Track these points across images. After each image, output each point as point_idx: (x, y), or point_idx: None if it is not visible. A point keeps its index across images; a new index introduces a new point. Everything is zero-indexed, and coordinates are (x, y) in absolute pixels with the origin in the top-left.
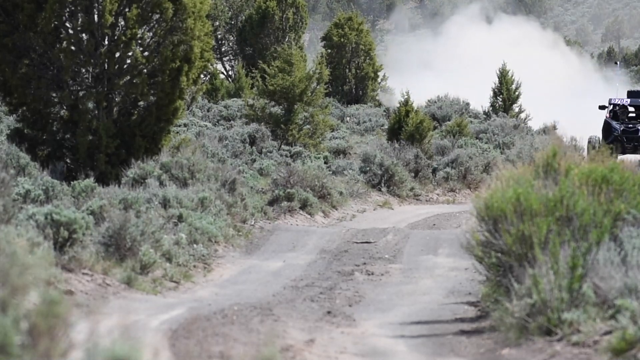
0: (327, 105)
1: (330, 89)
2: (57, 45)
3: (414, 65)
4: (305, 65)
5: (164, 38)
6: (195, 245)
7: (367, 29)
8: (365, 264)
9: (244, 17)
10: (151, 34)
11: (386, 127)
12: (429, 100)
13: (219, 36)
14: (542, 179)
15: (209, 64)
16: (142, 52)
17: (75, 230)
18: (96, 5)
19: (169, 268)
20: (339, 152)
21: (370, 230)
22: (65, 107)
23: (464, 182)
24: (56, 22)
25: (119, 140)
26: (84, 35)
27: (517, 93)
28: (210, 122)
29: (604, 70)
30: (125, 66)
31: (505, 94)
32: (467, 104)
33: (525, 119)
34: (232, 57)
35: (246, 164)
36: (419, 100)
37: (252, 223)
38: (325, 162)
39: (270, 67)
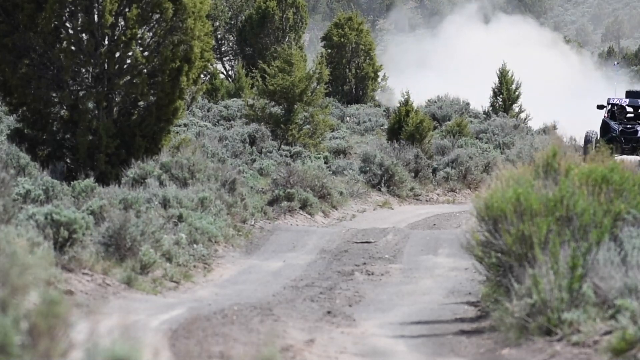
0: (327, 105)
1: (330, 89)
2: (57, 45)
3: (414, 65)
4: (305, 65)
5: (164, 38)
6: (195, 245)
7: (367, 29)
8: (365, 264)
9: (244, 17)
10: (151, 34)
11: (386, 127)
12: (429, 100)
13: (219, 36)
14: (542, 179)
15: (209, 64)
16: (142, 52)
17: (75, 230)
18: (96, 5)
19: (169, 268)
20: (339, 152)
21: (370, 230)
22: (65, 107)
23: (464, 182)
24: (56, 22)
25: (119, 140)
26: (84, 35)
27: (517, 93)
28: (210, 122)
29: (604, 69)
30: (125, 66)
31: (505, 94)
32: (467, 104)
33: (525, 119)
34: (232, 57)
35: (246, 164)
36: (418, 100)
37: (252, 223)
38: (325, 162)
39: (270, 67)
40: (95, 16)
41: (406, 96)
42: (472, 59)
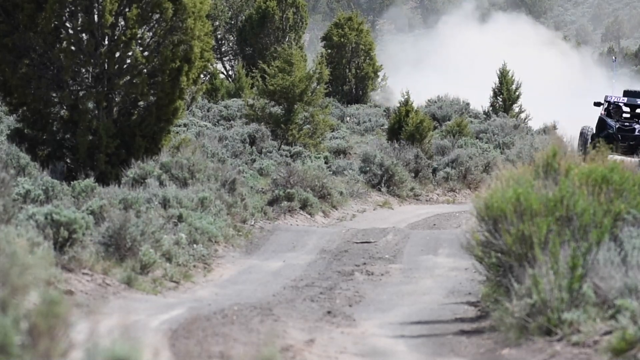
0: (327, 105)
1: (330, 89)
2: (57, 45)
3: (413, 65)
4: (305, 65)
5: (164, 38)
6: (195, 245)
7: (367, 29)
8: (365, 264)
9: (244, 17)
10: (151, 34)
11: (386, 127)
12: (429, 100)
13: (219, 36)
14: (542, 179)
15: (209, 64)
16: (142, 52)
17: (75, 230)
18: (96, 5)
19: (169, 268)
20: (339, 152)
21: (370, 230)
22: (65, 107)
23: (464, 182)
24: (56, 22)
25: (119, 140)
26: (84, 35)
27: (517, 93)
28: (210, 122)
29: (605, 69)
30: (125, 66)
31: (506, 94)
32: (467, 104)
33: (525, 119)
34: (232, 57)
35: (246, 164)
36: (418, 100)
37: (252, 223)
38: (325, 162)
39: (270, 67)
40: (95, 16)
41: (406, 96)
42: (471, 59)
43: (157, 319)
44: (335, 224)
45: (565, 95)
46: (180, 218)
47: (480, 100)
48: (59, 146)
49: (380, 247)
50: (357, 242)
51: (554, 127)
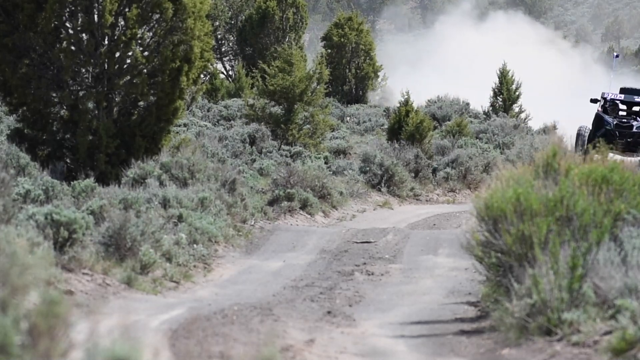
0: (327, 105)
1: (330, 89)
2: (57, 45)
3: (413, 65)
4: (305, 65)
5: (164, 38)
6: (195, 245)
7: (367, 29)
8: (365, 264)
9: (244, 17)
10: (151, 34)
11: (386, 127)
12: (429, 100)
13: (219, 36)
14: (542, 179)
15: (209, 64)
16: (142, 52)
17: (75, 230)
18: (96, 5)
19: (169, 268)
20: (339, 152)
21: (370, 230)
22: (65, 107)
23: (464, 182)
24: (56, 22)
25: (119, 140)
26: (84, 35)
27: (517, 93)
28: (210, 122)
29: (605, 68)
30: (125, 66)
31: (506, 94)
32: (467, 104)
33: (525, 119)
34: (232, 57)
35: (246, 164)
36: (418, 100)
37: (252, 223)
38: (325, 162)
39: (270, 67)
40: (95, 16)
41: (406, 96)
42: (471, 59)
43: (157, 319)
44: (335, 224)
45: (565, 95)
46: (180, 218)
47: (480, 100)
48: (59, 146)
49: (380, 247)
50: (357, 242)
51: (554, 127)
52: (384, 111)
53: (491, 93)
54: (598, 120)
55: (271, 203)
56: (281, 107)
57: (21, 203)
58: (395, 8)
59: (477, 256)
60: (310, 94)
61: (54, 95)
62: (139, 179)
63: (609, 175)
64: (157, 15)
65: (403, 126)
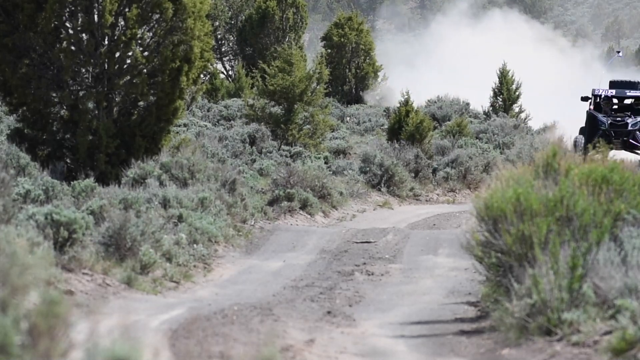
0: (327, 105)
1: (330, 89)
2: (57, 45)
3: (413, 65)
4: (305, 65)
5: (164, 38)
6: (195, 245)
7: (367, 28)
8: (365, 264)
9: (244, 17)
10: (151, 34)
11: (386, 127)
12: (428, 100)
13: (219, 36)
14: (542, 179)
15: (209, 64)
16: (142, 52)
17: (75, 230)
18: (96, 5)
19: (169, 268)
20: (339, 152)
21: (370, 230)
22: (65, 107)
23: (464, 182)
24: (56, 22)
25: (119, 140)
26: (84, 35)
27: (517, 93)
28: (210, 122)
29: (606, 67)
30: (125, 66)
31: (506, 94)
32: (467, 104)
33: (525, 119)
34: (232, 57)
35: (246, 164)
36: (417, 100)
37: (252, 223)
38: (325, 162)
39: (270, 67)
40: (95, 16)
41: (406, 96)
42: (470, 59)
43: (157, 319)
44: (335, 224)
45: (565, 95)
46: (180, 218)
47: (480, 100)
48: (59, 146)
49: (380, 247)
50: (357, 242)
51: (554, 127)
52: (384, 111)
53: (491, 93)
54: (592, 120)
55: (271, 203)
56: (281, 107)
57: (21, 203)
58: (395, 8)
59: (477, 256)
60: (310, 94)
61: (54, 95)
62: (139, 179)
63: (609, 175)
64: (157, 15)
65: (403, 126)
